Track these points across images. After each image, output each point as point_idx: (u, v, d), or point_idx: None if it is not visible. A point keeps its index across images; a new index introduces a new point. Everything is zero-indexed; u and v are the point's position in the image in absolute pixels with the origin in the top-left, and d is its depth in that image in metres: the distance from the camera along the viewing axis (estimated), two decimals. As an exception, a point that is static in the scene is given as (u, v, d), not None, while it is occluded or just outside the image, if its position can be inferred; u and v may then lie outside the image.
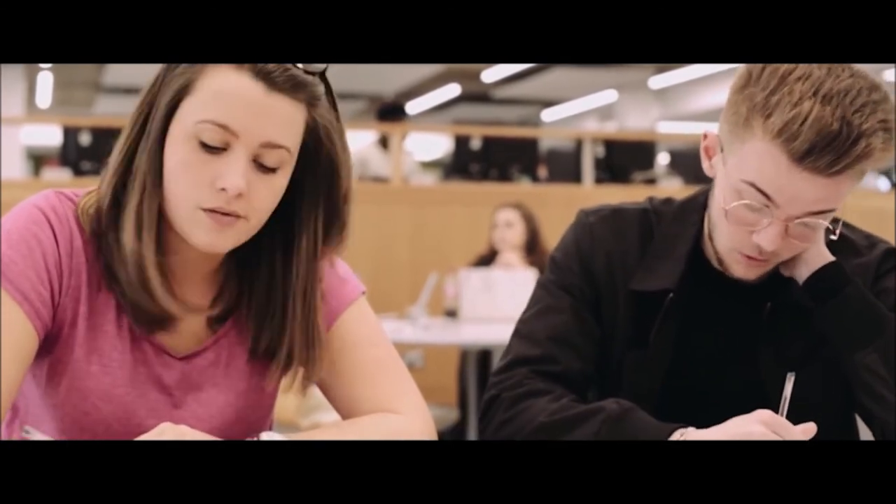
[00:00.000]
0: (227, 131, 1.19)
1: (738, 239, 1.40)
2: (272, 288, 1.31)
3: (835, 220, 1.47)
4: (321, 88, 1.26)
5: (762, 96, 1.32)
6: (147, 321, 1.28)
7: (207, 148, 1.20)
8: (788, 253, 1.40)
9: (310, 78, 1.23)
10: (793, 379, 1.26)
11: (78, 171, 6.62)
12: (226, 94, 1.19)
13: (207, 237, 1.23)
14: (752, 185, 1.34)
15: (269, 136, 1.21)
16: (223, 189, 1.20)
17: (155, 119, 1.22)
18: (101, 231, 1.26)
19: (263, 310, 1.32)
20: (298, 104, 1.23)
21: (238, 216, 1.22)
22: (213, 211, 1.21)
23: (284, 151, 1.22)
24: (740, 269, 1.43)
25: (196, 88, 1.20)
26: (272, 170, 1.23)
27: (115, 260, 1.25)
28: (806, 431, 1.22)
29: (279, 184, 1.25)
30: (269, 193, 1.24)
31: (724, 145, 1.39)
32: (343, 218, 1.31)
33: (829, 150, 1.28)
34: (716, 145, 1.42)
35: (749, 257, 1.40)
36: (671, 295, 1.46)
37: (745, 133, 1.34)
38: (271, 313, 1.32)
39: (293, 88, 1.22)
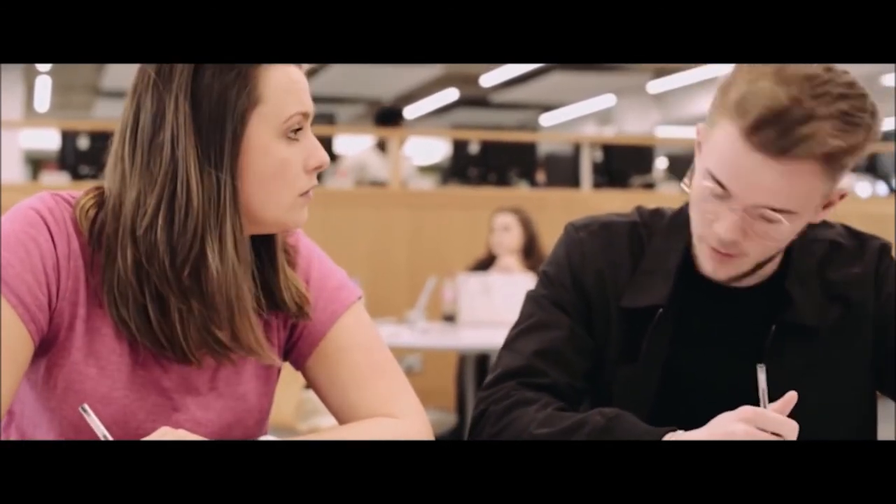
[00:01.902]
0: (305, 117, 1.28)
1: (702, 228, 1.40)
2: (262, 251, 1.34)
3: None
4: None
5: (728, 78, 1.35)
6: (210, 343, 1.27)
7: (292, 139, 1.27)
8: (753, 250, 1.39)
9: None
10: (765, 370, 1.25)
11: (76, 175, 6.63)
12: (292, 84, 1.27)
13: (303, 215, 1.31)
14: (711, 174, 1.35)
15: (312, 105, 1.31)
16: (318, 167, 1.29)
17: (227, 139, 1.23)
18: (171, 259, 1.23)
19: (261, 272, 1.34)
20: None
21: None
22: (307, 191, 1.29)
23: None
24: (709, 264, 1.42)
25: (265, 94, 1.24)
26: None
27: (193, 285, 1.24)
28: (786, 405, 1.23)
29: None
30: None
31: (702, 134, 1.42)
32: None
33: (775, 124, 1.28)
34: (700, 136, 1.44)
35: (714, 250, 1.40)
36: (660, 311, 1.46)
37: (713, 117, 1.37)
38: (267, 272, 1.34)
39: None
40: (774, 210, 1.33)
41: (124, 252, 1.23)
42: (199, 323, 1.25)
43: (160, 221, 1.22)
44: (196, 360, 1.28)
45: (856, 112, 1.30)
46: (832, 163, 1.31)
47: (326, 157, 1.29)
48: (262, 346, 1.29)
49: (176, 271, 1.23)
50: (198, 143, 1.22)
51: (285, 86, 1.25)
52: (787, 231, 1.37)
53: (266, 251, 1.33)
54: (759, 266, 1.43)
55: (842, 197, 1.40)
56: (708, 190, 1.36)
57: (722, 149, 1.34)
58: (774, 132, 1.29)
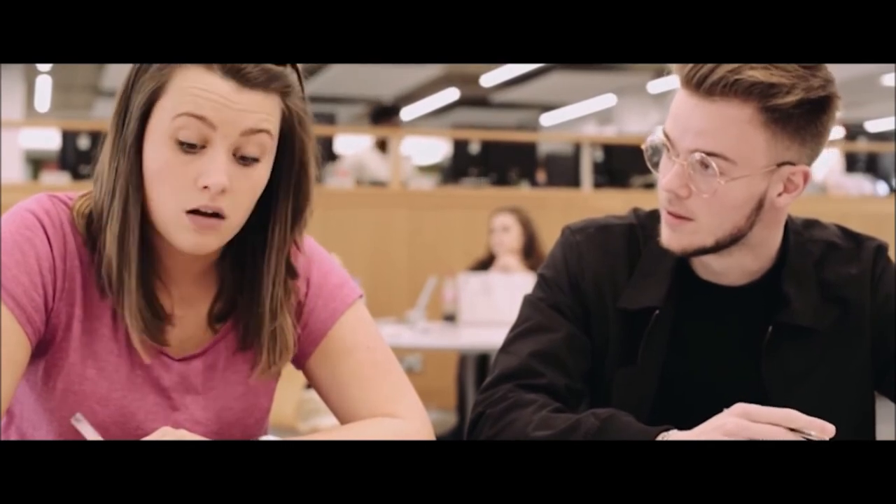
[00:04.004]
0: (205, 123, 1.19)
1: (658, 194, 1.42)
2: (253, 280, 1.31)
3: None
4: (294, 77, 1.26)
5: None
6: (135, 328, 1.27)
7: (186, 147, 1.20)
8: (701, 212, 1.38)
9: (281, 69, 1.23)
10: None
11: (77, 175, 6.62)
12: (198, 89, 1.19)
13: (192, 239, 1.22)
14: (663, 129, 1.40)
15: (248, 124, 1.20)
16: (205, 187, 1.19)
17: (129, 123, 1.22)
18: (94, 239, 1.26)
19: (248, 304, 1.32)
20: (273, 95, 1.23)
21: (221, 216, 1.21)
22: (196, 212, 1.21)
23: (265, 135, 1.22)
24: (664, 233, 1.43)
25: (169, 89, 1.20)
26: (253, 160, 1.22)
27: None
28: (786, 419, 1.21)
29: (259, 175, 1.24)
30: (249, 188, 1.23)
31: None
32: (310, 206, 1.31)
33: (709, 68, 1.33)
34: None
35: (666, 213, 1.41)
36: (657, 312, 1.46)
37: None
38: (253, 306, 1.32)
39: (266, 82, 1.21)
40: (709, 154, 1.34)
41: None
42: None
43: (92, 203, 1.27)
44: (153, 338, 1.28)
45: (787, 65, 1.33)
46: (762, 107, 1.32)
47: (218, 180, 1.19)
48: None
49: (97, 249, 1.26)
50: (116, 124, 1.24)
51: (185, 85, 1.19)
52: (730, 192, 1.36)
53: (254, 283, 1.31)
54: (721, 245, 1.41)
55: (806, 179, 1.39)
56: (655, 140, 1.40)
57: (671, 105, 1.39)
58: (705, 72, 1.33)
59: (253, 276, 1.31)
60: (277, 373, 1.35)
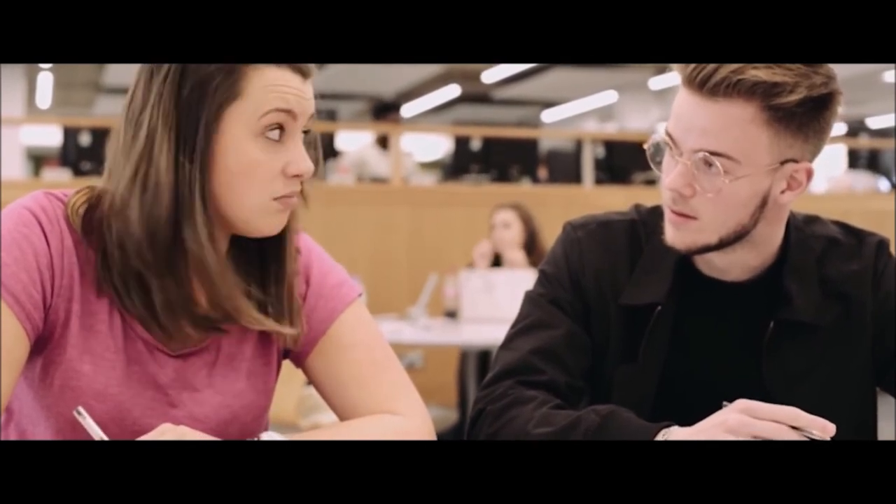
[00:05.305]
0: (290, 115, 1.26)
1: (662, 191, 1.42)
2: (276, 251, 1.34)
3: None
4: None
5: None
6: (180, 333, 1.28)
7: (270, 140, 1.25)
8: (705, 211, 1.38)
9: None
10: None
11: (78, 172, 6.63)
12: (280, 85, 1.25)
13: (276, 221, 1.29)
14: (664, 128, 1.40)
15: (311, 111, 1.29)
16: (296, 175, 1.27)
17: (199, 131, 1.23)
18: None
19: (269, 280, 1.34)
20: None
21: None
22: (284, 197, 1.27)
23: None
24: (668, 231, 1.43)
25: (246, 91, 1.24)
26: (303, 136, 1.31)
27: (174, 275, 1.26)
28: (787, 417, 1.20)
29: None
30: None
31: None
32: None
33: (711, 68, 1.33)
34: None
35: (670, 212, 1.41)
36: (659, 308, 1.46)
37: None
38: (270, 280, 1.34)
39: (311, 72, 1.30)
40: (713, 154, 1.34)
41: (109, 225, 1.26)
42: (174, 298, 1.26)
43: (134, 201, 1.24)
44: (178, 335, 1.28)
45: (789, 64, 1.33)
46: (765, 106, 1.32)
47: (309, 167, 1.28)
48: (244, 311, 1.29)
49: (155, 249, 1.24)
50: (174, 131, 1.23)
51: (268, 84, 1.24)
52: (734, 191, 1.36)
53: (274, 262, 1.34)
54: (725, 242, 1.41)
55: (809, 175, 1.39)
56: (658, 141, 1.40)
57: (673, 105, 1.39)
58: (708, 72, 1.33)
59: (276, 249, 1.34)
60: (294, 340, 1.37)
